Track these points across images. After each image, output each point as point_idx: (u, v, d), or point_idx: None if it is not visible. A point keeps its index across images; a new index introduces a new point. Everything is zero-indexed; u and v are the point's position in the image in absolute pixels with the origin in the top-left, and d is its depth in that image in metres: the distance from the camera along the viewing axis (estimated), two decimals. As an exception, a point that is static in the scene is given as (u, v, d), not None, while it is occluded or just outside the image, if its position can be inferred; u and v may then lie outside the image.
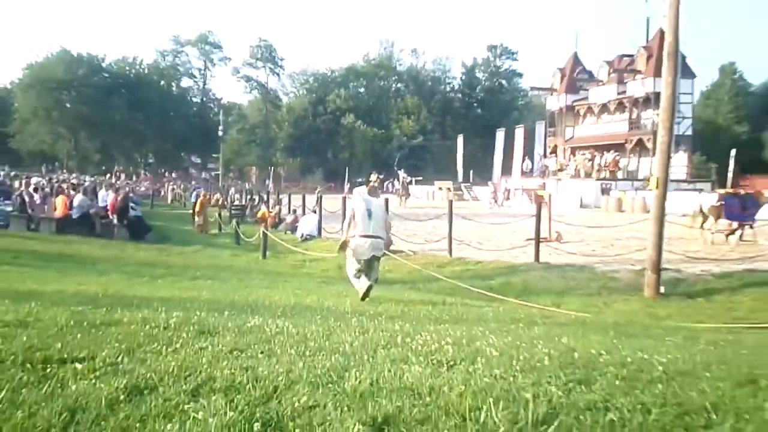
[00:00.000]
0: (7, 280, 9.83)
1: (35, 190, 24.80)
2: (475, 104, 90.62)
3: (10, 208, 23.32)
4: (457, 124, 77.95)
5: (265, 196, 40.47)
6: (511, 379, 4.07)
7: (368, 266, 11.27)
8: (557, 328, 7.85)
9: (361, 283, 11.12)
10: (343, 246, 11.50)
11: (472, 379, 4.01)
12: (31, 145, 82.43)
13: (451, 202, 21.29)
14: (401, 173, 46.52)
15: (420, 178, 60.98)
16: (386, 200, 14.08)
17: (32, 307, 5.98)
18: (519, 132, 53.48)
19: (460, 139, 60.50)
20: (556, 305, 12.01)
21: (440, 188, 53.37)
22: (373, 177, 25.72)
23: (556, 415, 3.38)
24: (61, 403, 3.26)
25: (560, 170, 48.53)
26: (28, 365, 3.91)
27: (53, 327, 5.02)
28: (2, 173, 38.25)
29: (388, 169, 72.93)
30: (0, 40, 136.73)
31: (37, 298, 6.95)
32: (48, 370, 3.86)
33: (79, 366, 3.94)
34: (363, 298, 10.88)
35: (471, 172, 58.24)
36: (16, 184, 28.72)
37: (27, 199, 23.40)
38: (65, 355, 4.15)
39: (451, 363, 4.47)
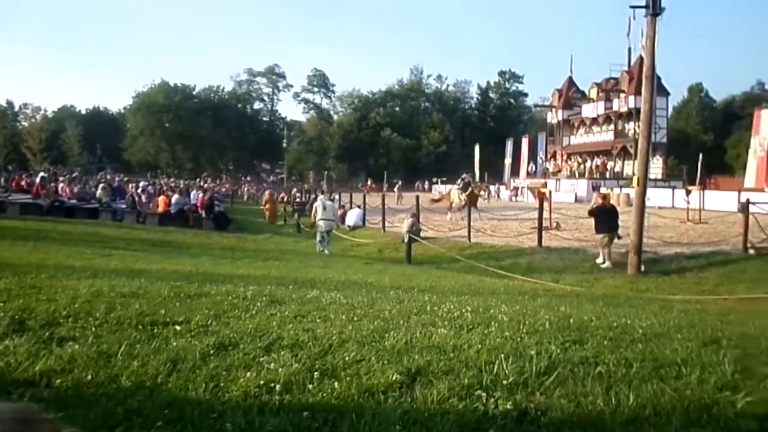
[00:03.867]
0: (123, 261, 10.05)
1: (143, 191, 25.19)
2: (488, 119, 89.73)
3: (124, 205, 23.81)
4: (474, 135, 77.11)
5: (324, 195, 40.50)
6: (519, 339, 4.06)
7: (327, 235, 17.29)
8: (556, 299, 7.79)
9: (322, 246, 17.15)
10: (314, 224, 18.30)
11: (487, 340, 4.01)
12: (139, 156, 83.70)
13: (469, 198, 21.17)
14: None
15: (444, 179, 60.65)
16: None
17: (142, 282, 6.11)
18: (525, 141, 52.97)
19: (476, 147, 59.89)
20: (555, 281, 11.90)
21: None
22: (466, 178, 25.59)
23: (555, 368, 3.38)
24: (166, 355, 3.35)
25: (558, 171, 47.89)
26: (140, 326, 4.01)
27: (158, 297, 5.12)
28: (117, 179, 38.92)
29: (417, 172, 72.59)
30: (116, 76, 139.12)
31: (145, 275, 7.09)
32: (155, 330, 3.95)
33: (178, 327, 4.03)
34: (323, 253, 16.65)
35: (486, 173, 57.80)
36: (129, 187, 29.25)
37: (137, 198, 23.80)
38: (167, 319, 4.25)
39: (470, 326, 4.48)
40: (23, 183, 27.27)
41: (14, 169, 47.31)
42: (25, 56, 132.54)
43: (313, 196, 21.35)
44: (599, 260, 13.70)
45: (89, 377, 2.98)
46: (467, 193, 23.29)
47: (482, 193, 34.33)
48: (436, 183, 61.95)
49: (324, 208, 17.48)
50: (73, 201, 23.87)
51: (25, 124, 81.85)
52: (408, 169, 76.00)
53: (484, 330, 4.35)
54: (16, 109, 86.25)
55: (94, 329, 3.86)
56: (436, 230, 19.85)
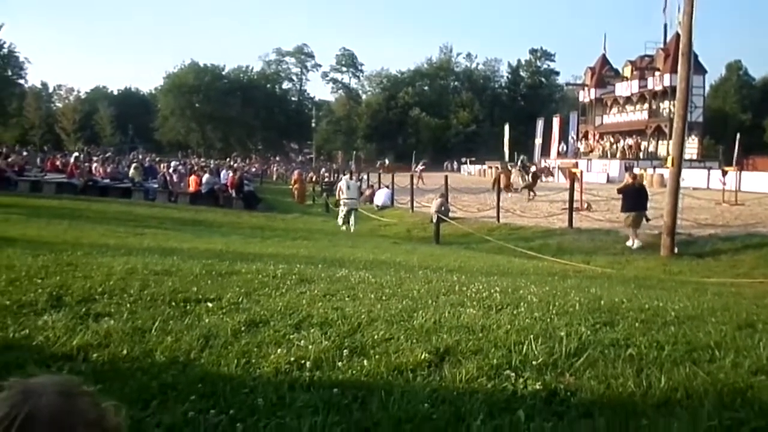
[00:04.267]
0: (156, 239, 10.23)
1: (174, 171, 25.50)
2: (519, 98, 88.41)
3: (156, 185, 24.20)
4: (504, 114, 76.05)
5: (349, 175, 40.39)
6: (548, 320, 4.05)
7: (350, 214, 17.86)
8: (586, 281, 7.72)
9: (346, 225, 17.84)
10: (337, 203, 19.56)
11: (516, 320, 4.01)
12: (170, 136, 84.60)
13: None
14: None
15: (473, 159, 60.20)
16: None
17: (174, 260, 6.22)
18: (556, 120, 52.11)
19: (506, 127, 59.09)
20: (586, 262, 11.78)
21: (490, 167, 52.56)
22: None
23: (585, 349, 3.36)
24: (198, 331, 3.42)
25: (590, 152, 47.11)
26: (173, 303, 4.10)
27: (190, 275, 5.22)
28: (148, 159, 39.44)
29: (446, 152, 72.03)
30: (147, 57, 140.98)
31: (177, 253, 7.22)
32: (187, 307, 4.04)
33: (210, 305, 4.11)
34: (348, 231, 17.34)
35: (516, 153, 57.09)
36: (161, 166, 29.67)
37: (168, 178, 24.15)
38: (199, 296, 4.33)
39: (499, 307, 4.47)
40: (58, 163, 27.89)
41: (49, 149, 48.36)
42: (58, 38, 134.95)
43: (340, 176, 22.72)
44: (629, 243, 13.52)
45: (125, 352, 3.06)
46: (531, 174, 23.30)
47: (543, 177, 33.12)
48: (465, 163, 61.52)
49: (348, 187, 18.41)
50: (107, 180, 24.35)
51: (59, 105, 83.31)
52: (437, 149, 75.51)
53: (513, 310, 4.34)
54: (51, 90, 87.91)
55: (128, 305, 3.96)
56: (464, 210, 19.77)
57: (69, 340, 3.17)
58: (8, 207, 14.72)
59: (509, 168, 24.52)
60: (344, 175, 23.98)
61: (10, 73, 57.39)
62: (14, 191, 20.61)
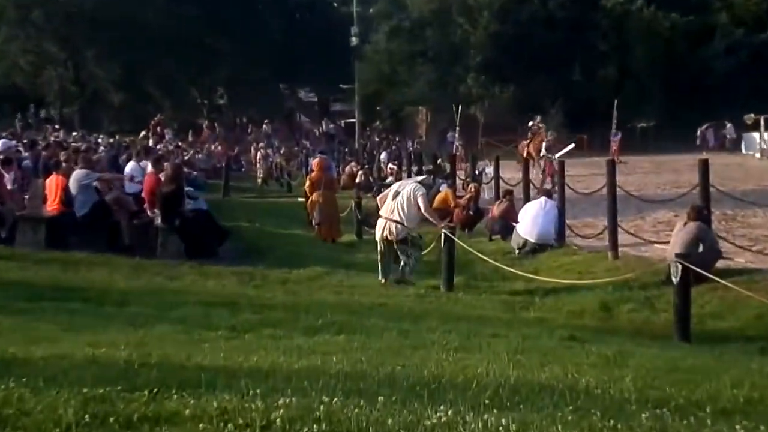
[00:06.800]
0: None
1: (5, 164, 25.89)
2: None
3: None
4: None
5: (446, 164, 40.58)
6: None
7: (388, 251, 21.19)
8: None
9: (382, 273, 21.31)
10: (365, 221, 25.15)
11: None
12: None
13: None
14: None
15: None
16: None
17: (13, 388, 6.31)
18: None
19: None
20: None
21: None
22: None
23: None
24: None
25: None
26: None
27: (53, 427, 5.27)
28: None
29: (700, 102, 71.38)
30: None
31: (20, 370, 7.34)
32: None
33: None
34: (398, 283, 20.91)
35: None
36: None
37: (-9, 182, 24.67)
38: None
39: None
40: None
41: None
42: None
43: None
44: None
45: None
46: None
47: None
48: (754, 126, 60.54)
49: (394, 195, 21.26)
50: None
51: None
52: (675, 92, 74.93)
53: None
54: None
55: None
56: (752, 251, 19.53)
57: None
58: None
59: None
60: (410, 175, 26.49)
61: None
62: None
